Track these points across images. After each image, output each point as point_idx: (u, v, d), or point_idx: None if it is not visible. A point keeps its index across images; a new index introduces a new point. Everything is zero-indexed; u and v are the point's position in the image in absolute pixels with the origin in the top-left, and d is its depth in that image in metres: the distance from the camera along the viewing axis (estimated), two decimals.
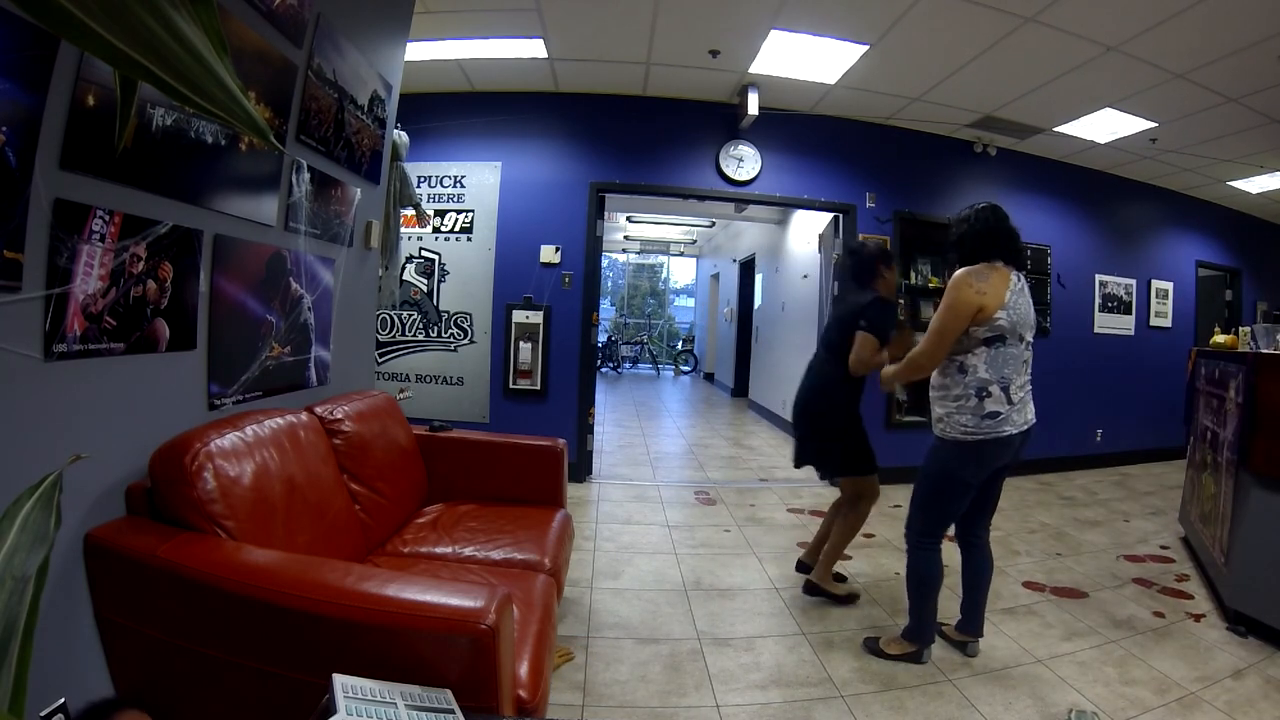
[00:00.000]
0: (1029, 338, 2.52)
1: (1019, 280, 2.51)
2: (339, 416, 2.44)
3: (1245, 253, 7.84)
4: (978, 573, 2.75)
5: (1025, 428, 2.51)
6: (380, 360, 5.39)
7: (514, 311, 5.38)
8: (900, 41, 4.23)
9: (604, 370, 15.19)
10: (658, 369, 16.55)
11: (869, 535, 4.28)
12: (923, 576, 2.67)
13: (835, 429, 3.22)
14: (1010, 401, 2.46)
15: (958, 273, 2.51)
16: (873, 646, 2.74)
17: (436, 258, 5.46)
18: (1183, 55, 4.09)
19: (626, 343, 16.85)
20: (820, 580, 3.26)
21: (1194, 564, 3.92)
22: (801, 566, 3.48)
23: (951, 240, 2.65)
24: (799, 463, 3.38)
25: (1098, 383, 6.70)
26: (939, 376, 2.62)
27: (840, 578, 3.46)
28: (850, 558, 3.81)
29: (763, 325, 10.07)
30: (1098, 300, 6.72)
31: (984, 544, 2.76)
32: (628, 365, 16.51)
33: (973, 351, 2.49)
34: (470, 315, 5.42)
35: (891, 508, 4.98)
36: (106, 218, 1.55)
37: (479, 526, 2.60)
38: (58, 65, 1.38)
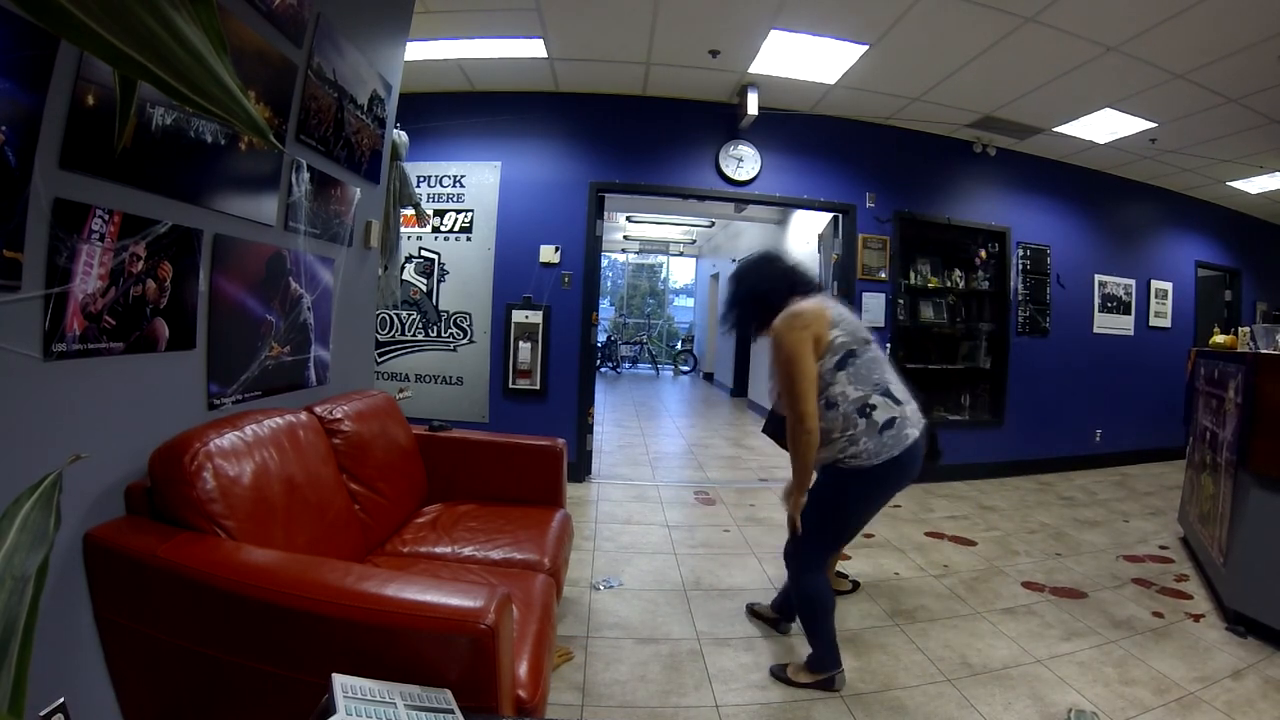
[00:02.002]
0: (870, 338, 2.40)
1: (825, 298, 2.43)
2: (338, 416, 2.44)
3: (1245, 253, 7.85)
4: None
5: (923, 424, 2.35)
6: (380, 360, 5.39)
7: (513, 311, 5.38)
8: (900, 41, 4.23)
9: (603, 370, 15.19)
10: (657, 369, 16.55)
11: (869, 535, 4.28)
12: (814, 600, 2.47)
13: None
14: (899, 401, 2.31)
15: (774, 325, 2.36)
16: (780, 674, 2.53)
17: (436, 257, 5.45)
18: (1183, 55, 4.09)
19: (626, 342, 16.85)
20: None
21: (1193, 564, 3.92)
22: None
23: (737, 309, 2.56)
24: None
25: (1097, 383, 6.70)
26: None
27: (842, 575, 3.47)
28: (850, 557, 3.82)
29: None
30: (1097, 300, 6.72)
31: None
32: (627, 365, 16.52)
33: (833, 383, 2.30)
34: (470, 315, 5.42)
35: (892, 507, 4.99)
36: (106, 217, 1.55)
37: (478, 526, 2.60)
38: (58, 64, 1.38)
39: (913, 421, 2.31)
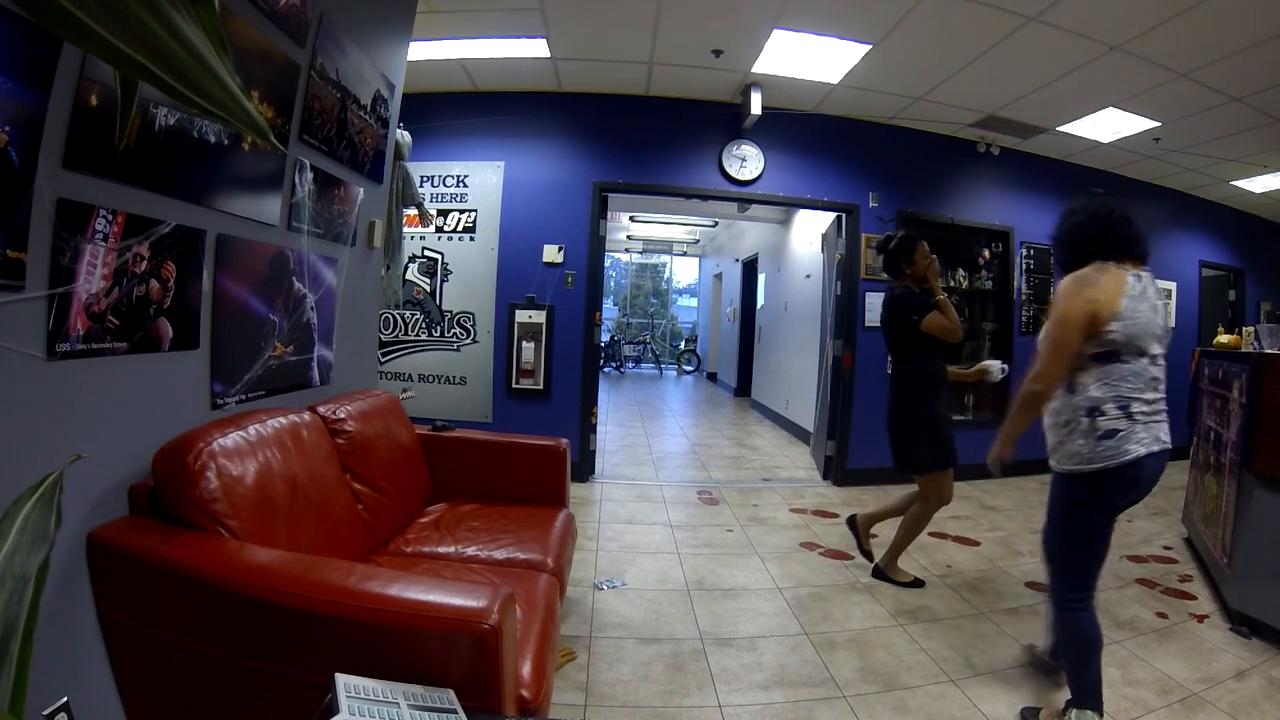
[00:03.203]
0: (1155, 350, 2.13)
1: (1138, 282, 2.13)
2: (342, 416, 2.44)
3: (1249, 253, 7.82)
4: None
5: (1158, 448, 2.09)
6: (383, 360, 5.40)
7: (517, 311, 5.38)
8: (903, 41, 4.22)
9: (607, 370, 15.19)
10: (660, 369, 16.54)
11: (872, 536, 4.27)
12: (1079, 641, 2.18)
13: (900, 422, 3.37)
14: (1131, 419, 2.07)
15: (1063, 280, 2.20)
16: (1031, 718, 2.30)
17: (439, 257, 5.46)
18: (1186, 54, 4.08)
19: (629, 342, 16.85)
20: (886, 568, 3.56)
21: (1197, 564, 3.91)
22: (851, 519, 3.81)
23: (1051, 243, 2.37)
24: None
25: None
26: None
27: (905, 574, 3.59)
28: (852, 558, 3.81)
29: (766, 325, 10.07)
30: None
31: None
32: (631, 365, 16.51)
33: (1083, 370, 2.14)
34: (473, 315, 5.43)
35: None
36: (109, 217, 1.55)
37: (482, 526, 2.60)
38: (60, 64, 1.38)
39: (1142, 440, 2.07)
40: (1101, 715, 2.14)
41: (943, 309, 3.26)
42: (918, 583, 3.51)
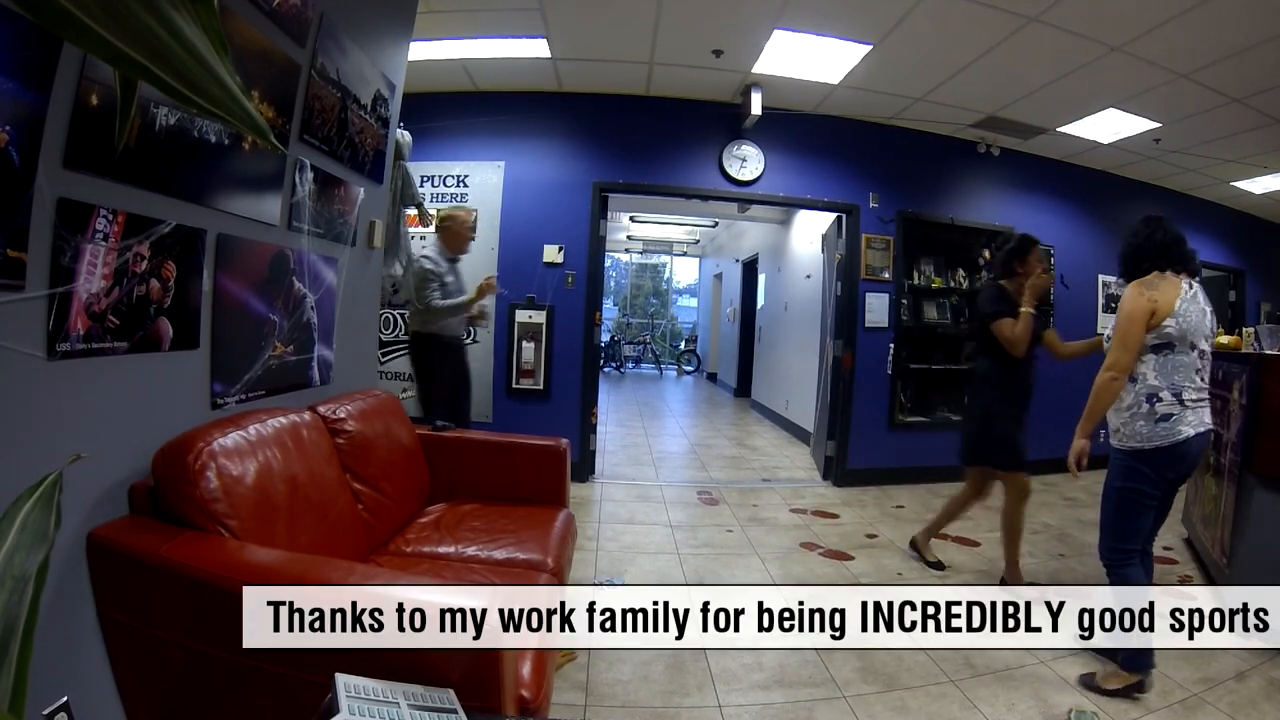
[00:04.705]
0: (1203, 346, 2.50)
1: (1191, 288, 2.52)
2: (342, 416, 2.44)
3: (1249, 253, 7.81)
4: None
5: (1203, 429, 2.47)
6: (383, 360, 5.39)
7: (517, 311, 5.38)
8: (903, 41, 4.22)
9: (607, 370, 15.18)
10: (660, 369, 16.54)
11: (872, 535, 4.28)
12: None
13: (973, 416, 3.54)
14: (1183, 404, 2.43)
15: (1129, 286, 2.57)
16: (1089, 683, 2.52)
17: None
18: (1187, 55, 4.08)
19: (629, 342, 16.84)
20: (920, 542, 3.86)
21: (1197, 565, 3.91)
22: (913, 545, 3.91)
23: (1118, 259, 2.73)
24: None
25: None
26: None
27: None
28: (853, 558, 3.81)
29: (766, 325, 10.07)
30: (1101, 301, 6.70)
31: (1147, 554, 2.70)
32: (631, 365, 16.50)
33: (1141, 359, 2.50)
34: None
35: (894, 508, 4.99)
36: (110, 217, 1.55)
37: (482, 526, 2.60)
38: (61, 64, 1.38)
39: (1191, 423, 2.43)
40: (1152, 669, 2.45)
41: (1020, 320, 3.29)
42: (939, 565, 3.73)
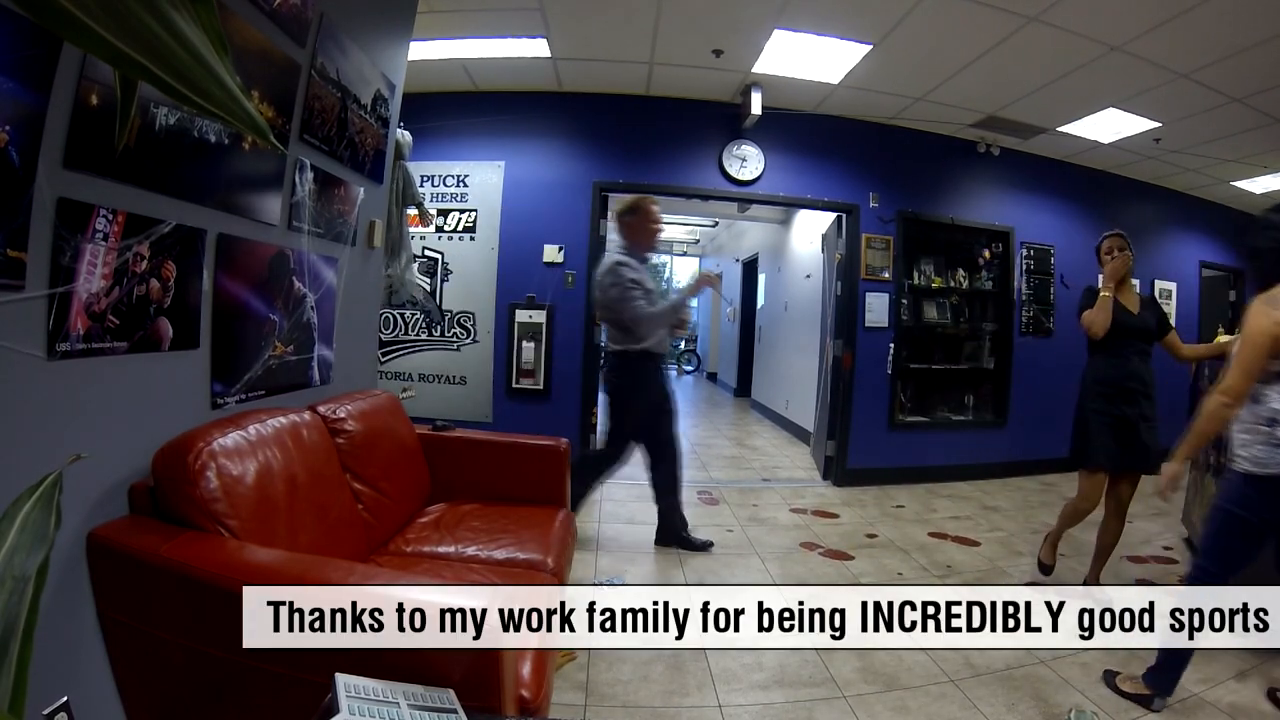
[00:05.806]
0: None
1: None
2: (342, 416, 2.44)
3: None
4: None
5: None
6: (383, 360, 5.39)
7: (517, 311, 5.38)
8: (904, 41, 4.22)
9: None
10: None
11: (871, 535, 4.28)
12: None
13: (1078, 414, 3.41)
14: None
15: (1254, 300, 2.30)
16: (1109, 680, 2.53)
17: (440, 257, 5.46)
18: (1187, 55, 4.07)
19: None
20: (1045, 553, 3.67)
21: None
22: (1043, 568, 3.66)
23: (1246, 255, 2.44)
24: None
25: None
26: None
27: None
28: (853, 558, 3.81)
29: (765, 325, 10.06)
30: None
31: None
32: None
33: (1266, 385, 2.25)
34: (473, 314, 5.42)
35: (894, 508, 4.99)
36: (110, 217, 1.55)
37: (481, 526, 2.60)
38: (61, 64, 1.38)
39: None
40: (1168, 696, 2.37)
41: (1096, 304, 3.24)
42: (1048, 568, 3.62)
